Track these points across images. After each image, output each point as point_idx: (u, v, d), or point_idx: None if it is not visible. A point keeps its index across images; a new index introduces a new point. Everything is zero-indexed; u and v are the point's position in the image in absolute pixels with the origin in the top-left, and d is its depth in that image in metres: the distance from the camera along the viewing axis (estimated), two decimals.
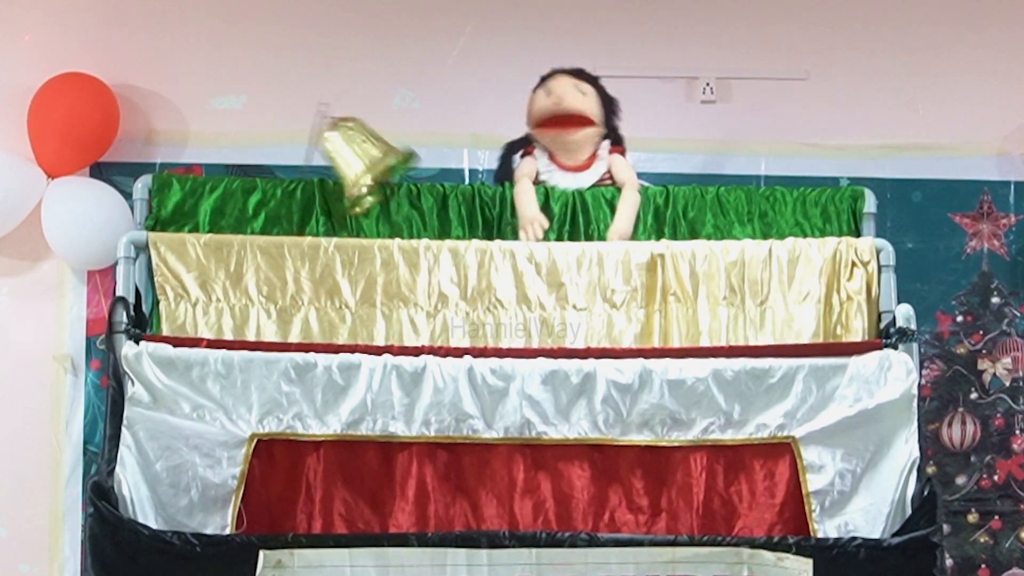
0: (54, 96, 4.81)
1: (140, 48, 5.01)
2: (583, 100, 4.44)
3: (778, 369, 3.86)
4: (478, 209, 4.39)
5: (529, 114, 4.48)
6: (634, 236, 4.33)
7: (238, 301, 4.10)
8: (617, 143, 4.50)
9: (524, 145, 4.51)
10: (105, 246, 4.53)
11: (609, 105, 4.50)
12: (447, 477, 3.86)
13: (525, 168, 4.44)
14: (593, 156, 4.45)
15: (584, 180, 4.41)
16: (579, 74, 4.49)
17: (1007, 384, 5.00)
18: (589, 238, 4.33)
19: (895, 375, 3.87)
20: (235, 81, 5.03)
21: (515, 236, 4.31)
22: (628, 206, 4.33)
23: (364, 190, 4.29)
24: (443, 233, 4.33)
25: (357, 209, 4.31)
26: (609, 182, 4.43)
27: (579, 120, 4.42)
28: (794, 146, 5.07)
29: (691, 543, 3.72)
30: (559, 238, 4.32)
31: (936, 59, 5.13)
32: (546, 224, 4.29)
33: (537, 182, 4.41)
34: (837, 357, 3.90)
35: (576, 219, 4.38)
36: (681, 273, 4.13)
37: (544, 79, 4.49)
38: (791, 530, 3.83)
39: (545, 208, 4.35)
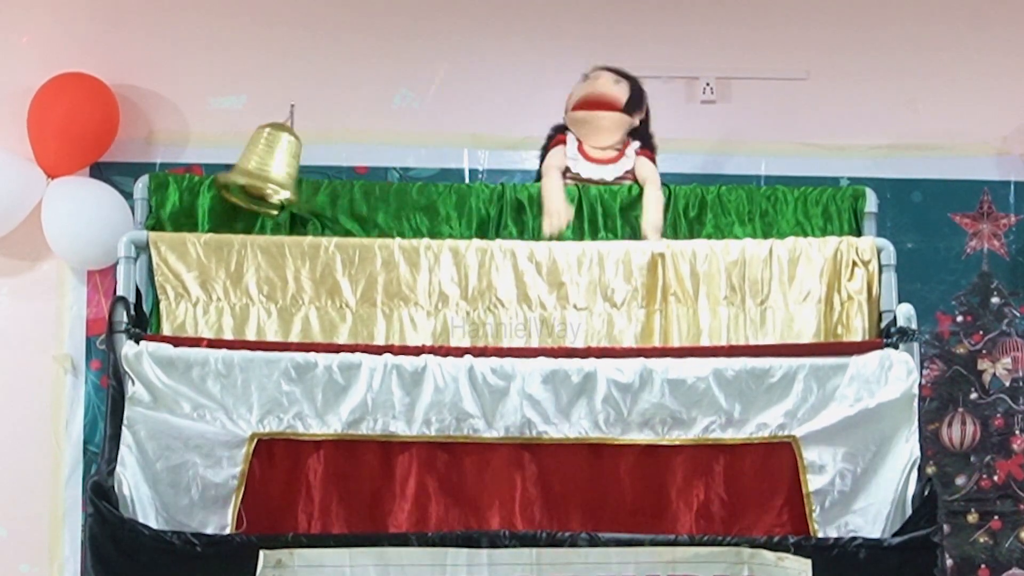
0: (54, 96, 4.81)
1: (140, 48, 5.01)
2: (615, 87, 4.47)
3: (779, 369, 3.87)
4: (475, 210, 4.39)
5: (566, 104, 4.51)
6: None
7: (238, 300, 4.10)
8: (646, 147, 4.50)
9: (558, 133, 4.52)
10: (105, 246, 4.53)
11: (639, 102, 4.51)
12: (447, 477, 3.86)
13: (554, 160, 4.44)
14: (621, 153, 4.45)
15: (608, 173, 4.42)
16: (619, 71, 4.52)
17: (1007, 384, 5.00)
18: (597, 236, 4.33)
19: (896, 375, 3.87)
20: (235, 81, 5.03)
21: (511, 236, 4.30)
22: (654, 199, 4.34)
23: (232, 184, 4.30)
24: (436, 233, 4.32)
25: (230, 195, 4.33)
26: (629, 180, 4.43)
27: (609, 104, 4.43)
28: (794, 146, 5.07)
29: (691, 543, 3.72)
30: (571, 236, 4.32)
31: (936, 59, 5.13)
32: (570, 216, 4.29)
33: (565, 175, 4.41)
34: (838, 357, 3.91)
35: (581, 215, 4.38)
36: (681, 272, 4.14)
37: (586, 74, 4.53)
38: (791, 530, 3.83)
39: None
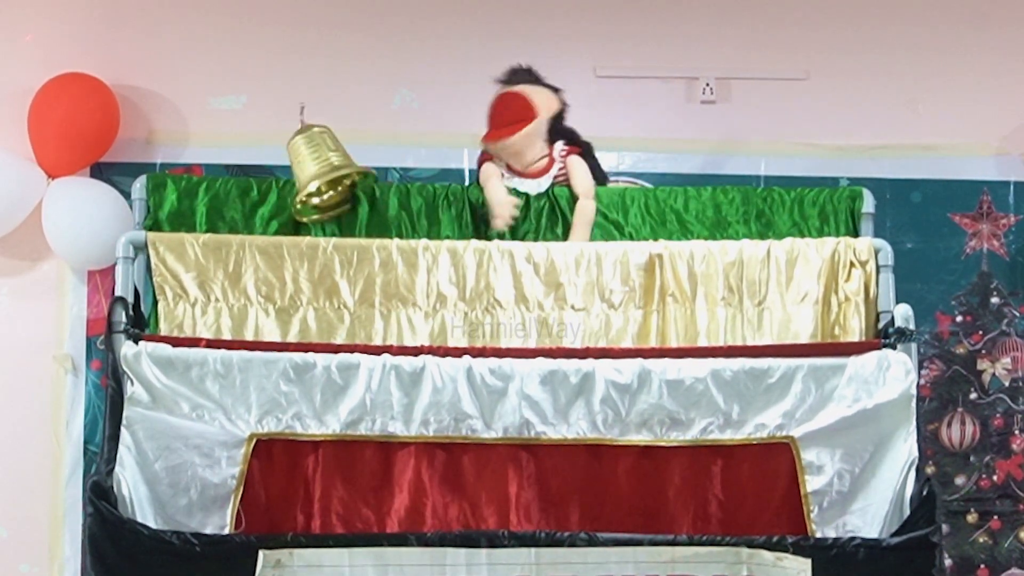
0: (54, 96, 4.82)
1: (140, 48, 5.02)
2: (523, 86, 4.40)
3: (777, 369, 3.87)
4: (469, 210, 4.39)
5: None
6: (632, 237, 4.32)
7: (237, 301, 4.10)
8: (573, 143, 4.46)
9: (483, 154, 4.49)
10: (105, 246, 4.54)
11: (553, 96, 4.45)
12: (446, 477, 3.86)
13: (491, 170, 4.39)
14: (549, 159, 4.41)
15: (544, 184, 4.38)
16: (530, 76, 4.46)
17: (1006, 384, 5.00)
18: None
19: (894, 375, 3.86)
20: (235, 81, 5.04)
21: (506, 237, 4.30)
22: (582, 221, 4.29)
23: (312, 193, 4.24)
24: (432, 234, 4.32)
25: (305, 217, 4.28)
26: (563, 180, 4.40)
27: (516, 114, 4.36)
28: (794, 146, 5.07)
29: (690, 543, 3.72)
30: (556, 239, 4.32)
31: (936, 59, 5.13)
32: (518, 202, 4.27)
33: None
34: (836, 357, 3.90)
35: (551, 220, 4.37)
36: (679, 273, 4.13)
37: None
38: (789, 530, 3.82)
39: (526, 210, 4.33)
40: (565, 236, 4.30)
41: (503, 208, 4.26)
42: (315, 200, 4.28)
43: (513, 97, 4.38)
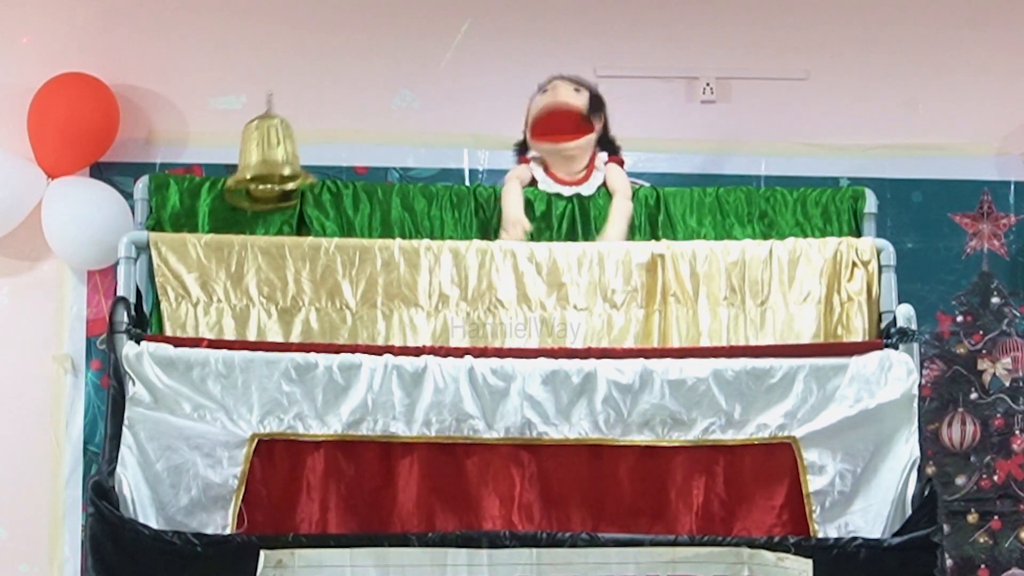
0: (54, 96, 4.81)
1: (140, 48, 5.01)
2: (576, 96, 4.43)
3: (779, 369, 3.87)
4: (472, 211, 4.39)
5: (527, 121, 4.47)
6: (633, 237, 4.33)
7: (239, 301, 4.10)
8: (613, 152, 4.49)
9: (525, 149, 4.51)
10: (105, 246, 4.54)
11: (601, 108, 4.48)
12: (448, 477, 3.86)
13: (517, 171, 4.44)
14: (590, 168, 4.44)
15: (584, 191, 4.41)
16: (577, 80, 4.48)
17: (1007, 384, 5.00)
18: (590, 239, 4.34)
19: (896, 375, 3.87)
20: (235, 81, 5.03)
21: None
22: (619, 214, 4.34)
23: (245, 181, 4.30)
24: (436, 235, 4.33)
25: (234, 203, 4.32)
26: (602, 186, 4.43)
27: (573, 125, 4.40)
28: (794, 146, 5.07)
29: (692, 543, 3.73)
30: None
31: (936, 59, 5.13)
32: (528, 227, 4.30)
33: (532, 185, 4.42)
34: (838, 357, 3.91)
35: (575, 223, 4.38)
36: (681, 273, 4.14)
37: (542, 86, 4.48)
38: (791, 530, 3.84)
39: (547, 213, 4.36)
40: (587, 238, 4.31)
41: (515, 228, 4.28)
42: (251, 187, 4.32)
43: (570, 109, 4.40)
